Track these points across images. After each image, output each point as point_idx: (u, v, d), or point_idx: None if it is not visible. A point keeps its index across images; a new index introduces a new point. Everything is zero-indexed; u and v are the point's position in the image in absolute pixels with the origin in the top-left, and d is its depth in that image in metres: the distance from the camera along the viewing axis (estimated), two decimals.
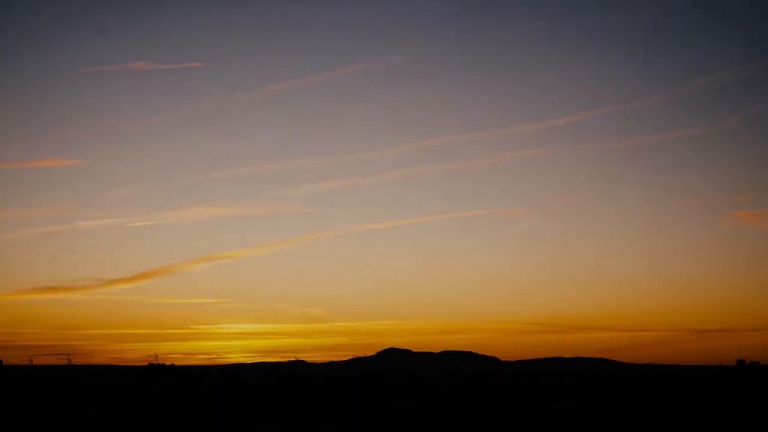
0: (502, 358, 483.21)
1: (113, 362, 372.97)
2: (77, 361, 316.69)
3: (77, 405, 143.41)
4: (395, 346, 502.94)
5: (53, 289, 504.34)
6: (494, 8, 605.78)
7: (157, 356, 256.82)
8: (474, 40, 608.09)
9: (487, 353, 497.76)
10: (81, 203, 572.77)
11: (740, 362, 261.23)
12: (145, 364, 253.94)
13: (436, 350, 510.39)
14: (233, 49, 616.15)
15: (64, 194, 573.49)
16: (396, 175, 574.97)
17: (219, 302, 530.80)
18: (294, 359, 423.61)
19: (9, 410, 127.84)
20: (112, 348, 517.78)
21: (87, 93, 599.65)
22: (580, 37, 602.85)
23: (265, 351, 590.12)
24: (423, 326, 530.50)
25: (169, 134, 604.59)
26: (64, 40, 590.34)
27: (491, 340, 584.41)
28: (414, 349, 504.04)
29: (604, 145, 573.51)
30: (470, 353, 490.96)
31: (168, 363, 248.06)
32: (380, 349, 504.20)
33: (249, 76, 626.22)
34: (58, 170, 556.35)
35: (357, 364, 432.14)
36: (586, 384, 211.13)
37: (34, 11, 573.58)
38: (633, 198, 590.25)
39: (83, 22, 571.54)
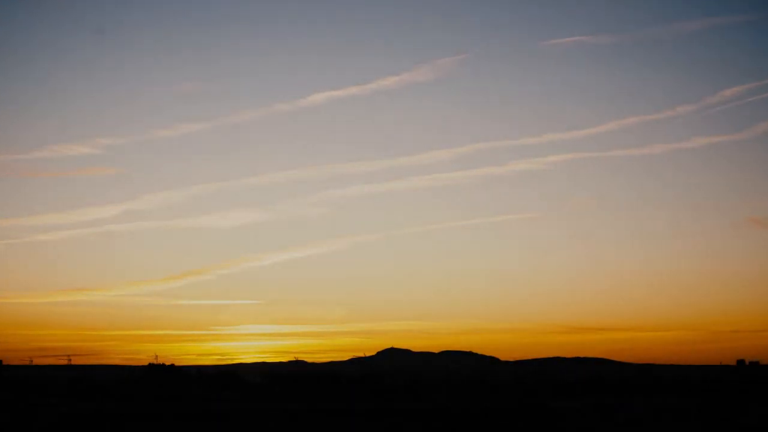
0: (502, 358, 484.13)
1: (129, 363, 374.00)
2: (90, 361, 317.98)
3: (77, 405, 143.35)
4: (395, 346, 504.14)
5: (81, 289, 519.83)
6: (532, 23, 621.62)
7: (157, 356, 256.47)
8: (512, 51, 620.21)
9: (487, 353, 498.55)
10: (117, 208, 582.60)
11: (740, 362, 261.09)
12: (145, 364, 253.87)
13: (436, 350, 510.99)
14: (269, 62, 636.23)
15: (100, 199, 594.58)
16: (419, 183, 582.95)
17: (242, 304, 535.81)
18: (294, 359, 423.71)
19: (9, 409, 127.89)
20: (129, 348, 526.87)
21: (126, 104, 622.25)
22: (613, 49, 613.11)
23: (280, 352, 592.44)
24: (446, 327, 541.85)
25: (201, 142, 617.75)
26: (97, 52, 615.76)
27: (491, 340, 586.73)
28: (414, 349, 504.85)
29: (630, 152, 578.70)
30: (470, 353, 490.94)
31: (168, 363, 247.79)
32: (380, 349, 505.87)
33: (286, 88, 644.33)
34: (96, 178, 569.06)
35: (357, 364, 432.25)
36: (586, 384, 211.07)
37: (79, 28, 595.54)
38: (653, 204, 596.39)
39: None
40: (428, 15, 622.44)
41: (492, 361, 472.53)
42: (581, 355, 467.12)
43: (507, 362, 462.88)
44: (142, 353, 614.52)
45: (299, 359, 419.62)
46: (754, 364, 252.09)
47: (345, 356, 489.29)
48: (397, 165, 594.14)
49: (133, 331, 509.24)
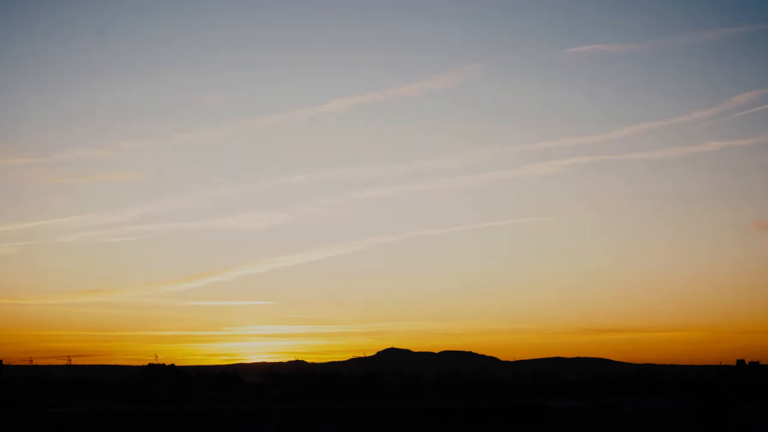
0: (502, 358, 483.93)
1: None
2: (91, 361, 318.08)
3: (77, 405, 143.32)
4: (395, 346, 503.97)
5: (96, 290, 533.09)
6: (551, 32, 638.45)
7: (157, 356, 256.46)
8: (530, 60, 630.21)
9: (487, 353, 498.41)
10: (138, 211, 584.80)
11: (740, 362, 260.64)
12: (145, 364, 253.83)
13: (436, 350, 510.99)
14: (291, 68, 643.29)
15: (121, 202, 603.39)
16: (434, 186, 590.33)
17: (254, 306, 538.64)
18: (294, 359, 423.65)
19: (9, 408, 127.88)
20: (143, 349, 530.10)
21: (147, 109, 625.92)
22: (628, 58, 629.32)
23: (287, 352, 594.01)
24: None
25: (222, 146, 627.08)
26: (121, 59, 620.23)
27: (491, 340, 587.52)
28: (414, 349, 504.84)
29: (648, 155, 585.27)
30: (470, 353, 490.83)
31: (168, 363, 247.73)
32: (380, 349, 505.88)
33: (307, 94, 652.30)
34: (119, 183, 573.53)
35: (357, 364, 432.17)
36: (586, 384, 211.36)
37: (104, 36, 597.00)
38: (659, 207, 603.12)
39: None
40: (448, 24, 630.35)
41: (492, 361, 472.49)
42: (581, 355, 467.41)
43: (507, 362, 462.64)
44: (151, 353, 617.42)
45: (299, 359, 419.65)
46: (754, 364, 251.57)
47: (345, 356, 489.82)
48: (410, 169, 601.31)
49: (151, 332, 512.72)
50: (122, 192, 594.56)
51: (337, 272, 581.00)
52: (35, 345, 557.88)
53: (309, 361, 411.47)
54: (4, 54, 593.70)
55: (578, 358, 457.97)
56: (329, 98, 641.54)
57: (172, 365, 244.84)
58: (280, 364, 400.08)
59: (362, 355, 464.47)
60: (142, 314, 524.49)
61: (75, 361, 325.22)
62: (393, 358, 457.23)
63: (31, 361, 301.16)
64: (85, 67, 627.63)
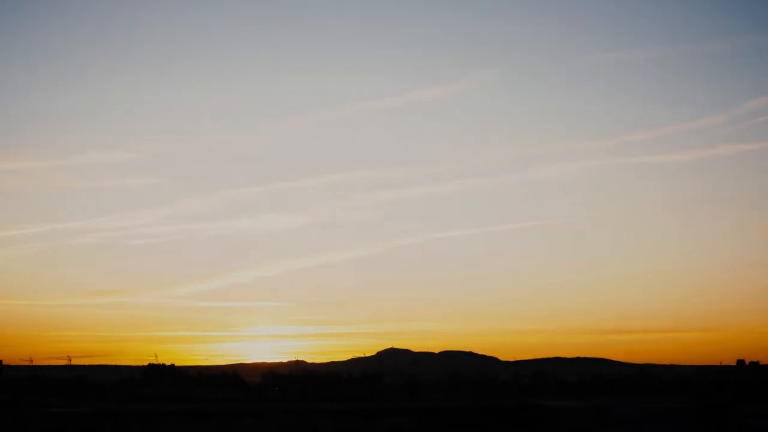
0: (502, 358, 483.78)
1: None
2: (90, 361, 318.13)
3: (77, 405, 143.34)
4: (395, 346, 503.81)
5: (112, 291, 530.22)
6: (570, 39, 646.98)
7: (157, 356, 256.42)
8: (547, 65, 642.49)
9: (487, 353, 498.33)
10: (156, 213, 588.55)
11: (740, 362, 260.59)
12: (145, 364, 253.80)
13: (436, 350, 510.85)
14: (312, 72, 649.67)
15: (138, 204, 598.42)
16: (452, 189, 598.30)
17: (259, 306, 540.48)
18: (294, 359, 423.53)
19: (9, 408, 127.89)
20: (144, 349, 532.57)
21: (164, 113, 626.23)
22: (643, 64, 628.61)
23: (293, 353, 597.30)
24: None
25: (239, 149, 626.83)
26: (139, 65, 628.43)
27: (491, 340, 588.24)
28: (414, 349, 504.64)
29: (664, 158, 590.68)
30: (470, 353, 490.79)
31: (168, 363, 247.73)
32: (380, 349, 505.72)
33: (326, 97, 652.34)
34: (134, 184, 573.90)
35: (357, 364, 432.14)
36: (586, 384, 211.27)
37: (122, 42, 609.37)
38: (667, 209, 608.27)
39: None
40: (466, 31, 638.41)
41: (492, 361, 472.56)
42: (581, 355, 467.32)
43: (507, 362, 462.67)
44: (155, 353, 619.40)
45: (299, 359, 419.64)
46: (754, 364, 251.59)
47: (345, 356, 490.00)
48: (419, 174, 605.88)
49: (154, 333, 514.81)
50: (139, 194, 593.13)
51: (338, 273, 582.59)
52: (36, 346, 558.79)
53: (309, 361, 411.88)
54: (26, 56, 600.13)
55: (578, 358, 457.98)
56: (348, 101, 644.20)
57: (172, 365, 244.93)
58: (280, 364, 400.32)
59: (362, 355, 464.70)
60: (149, 315, 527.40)
61: (75, 361, 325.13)
62: (393, 358, 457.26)
63: (31, 361, 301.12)
64: (106, 70, 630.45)
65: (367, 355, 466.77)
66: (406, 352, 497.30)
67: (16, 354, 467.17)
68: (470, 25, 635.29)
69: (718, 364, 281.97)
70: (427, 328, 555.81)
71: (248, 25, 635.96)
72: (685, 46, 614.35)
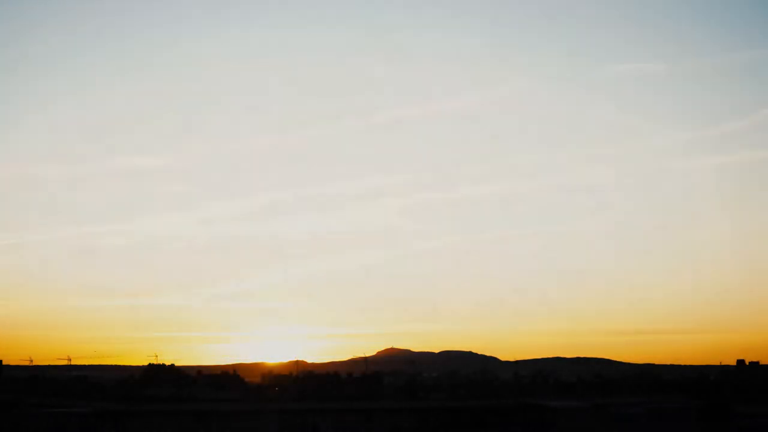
0: (502, 358, 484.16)
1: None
2: (91, 361, 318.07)
3: (77, 405, 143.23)
4: (395, 347, 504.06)
5: (135, 294, 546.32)
6: (593, 50, 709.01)
7: (157, 356, 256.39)
8: (573, 76, 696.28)
9: (488, 353, 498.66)
10: (185, 217, 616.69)
11: (740, 362, 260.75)
12: (146, 364, 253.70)
13: (436, 350, 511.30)
14: (339, 81, 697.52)
15: (167, 207, 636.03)
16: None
17: (262, 308, 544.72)
18: (295, 359, 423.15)
19: (9, 408, 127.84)
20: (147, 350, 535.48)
21: (193, 117, 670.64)
22: (663, 75, 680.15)
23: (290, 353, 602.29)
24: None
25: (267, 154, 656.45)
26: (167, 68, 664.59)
27: (491, 340, 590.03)
28: (414, 349, 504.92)
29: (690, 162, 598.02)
30: (470, 353, 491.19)
31: (168, 363, 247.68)
32: (380, 349, 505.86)
33: (354, 105, 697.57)
34: (164, 188, 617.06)
35: (357, 364, 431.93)
36: (586, 384, 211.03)
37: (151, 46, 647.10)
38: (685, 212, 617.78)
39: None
40: (491, 43, 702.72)
41: (492, 361, 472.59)
42: (581, 355, 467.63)
43: (507, 362, 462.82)
44: (160, 354, 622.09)
45: (299, 359, 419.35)
46: (754, 364, 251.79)
47: (345, 356, 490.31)
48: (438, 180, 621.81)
49: (156, 334, 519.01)
50: (167, 197, 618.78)
51: (340, 274, 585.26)
52: (36, 346, 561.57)
53: (309, 361, 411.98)
54: (61, 63, 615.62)
55: (578, 358, 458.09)
56: (374, 110, 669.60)
57: (172, 365, 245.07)
58: (280, 364, 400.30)
59: (362, 355, 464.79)
60: (149, 315, 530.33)
61: (75, 362, 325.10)
62: (393, 358, 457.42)
63: (31, 361, 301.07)
64: (141, 77, 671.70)
65: (367, 355, 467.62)
66: (406, 352, 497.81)
67: (16, 354, 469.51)
68: (493, 39, 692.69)
69: (718, 364, 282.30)
70: (427, 328, 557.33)
71: (284, 35, 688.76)
72: (704, 59, 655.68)
